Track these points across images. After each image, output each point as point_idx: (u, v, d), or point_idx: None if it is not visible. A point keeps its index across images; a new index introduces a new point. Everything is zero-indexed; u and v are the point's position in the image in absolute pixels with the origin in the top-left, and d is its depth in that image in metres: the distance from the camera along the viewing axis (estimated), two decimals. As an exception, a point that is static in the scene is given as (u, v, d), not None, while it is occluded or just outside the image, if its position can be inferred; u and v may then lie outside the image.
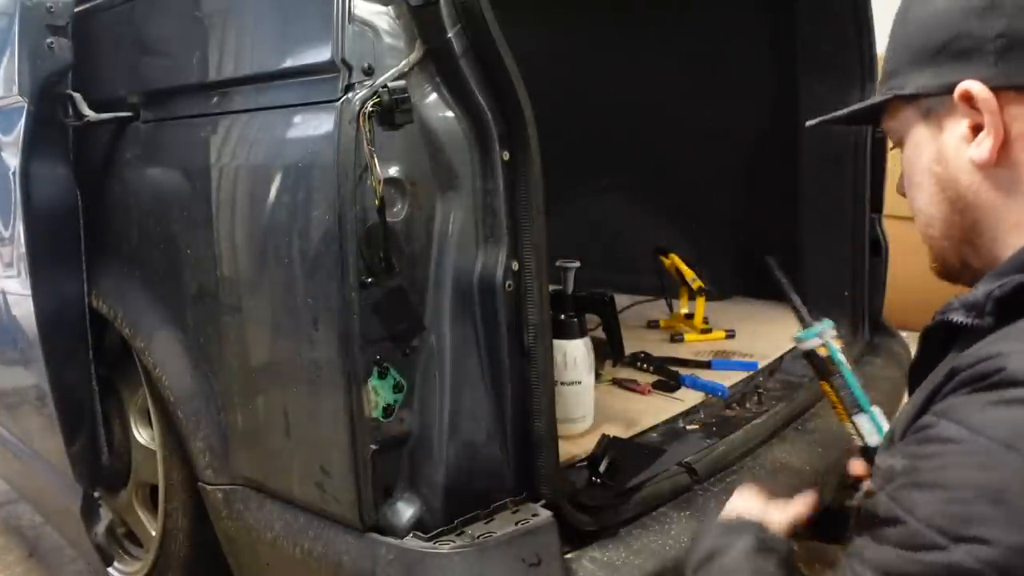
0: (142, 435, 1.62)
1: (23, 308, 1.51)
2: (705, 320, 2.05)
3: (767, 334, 1.95)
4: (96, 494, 1.60)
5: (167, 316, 1.33)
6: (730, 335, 1.98)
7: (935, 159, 0.69)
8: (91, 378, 1.54)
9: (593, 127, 2.52)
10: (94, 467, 1.59)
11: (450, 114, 1.05)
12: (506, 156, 1.06)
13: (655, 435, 1.46)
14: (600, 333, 1.57)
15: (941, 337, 0.68)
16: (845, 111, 0.79)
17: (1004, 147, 0.64)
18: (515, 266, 1.07)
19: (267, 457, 1.20)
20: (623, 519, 1.19)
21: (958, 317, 0.63)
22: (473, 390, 1.07)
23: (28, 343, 1.53)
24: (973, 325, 0.62)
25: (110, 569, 1.66)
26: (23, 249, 1.45)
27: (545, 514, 1.08)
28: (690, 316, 2.07)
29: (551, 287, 1.13)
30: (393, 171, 1.00)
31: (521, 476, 1.11)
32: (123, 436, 1.65)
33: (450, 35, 1.01)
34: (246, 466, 1.24)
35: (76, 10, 1.41)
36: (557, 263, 1.47)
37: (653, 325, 2.14)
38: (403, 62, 1.01)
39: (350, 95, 0.98)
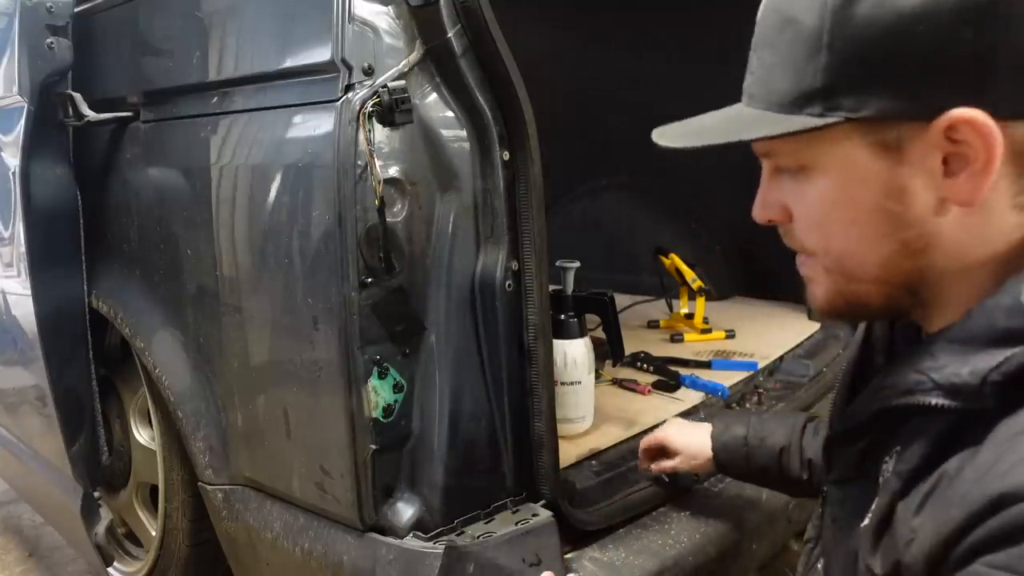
0: (142, 435, 1.62)
1: (23, 308, 1.51)
2: (705, 320, 2.05)
3: (767, 334, 1.95)
4: (96, 494, 1.60)
5: (167, 316, 1.33)
6: (730, 335, 1.98)
7: (890, 195, 0.57)
8: (91, 378, 1.54)
9: (593, 127, 2.53)
10: (94, 467, 1.59)
11: (450, 114, 1.05)
12: (506, 156, 1.06)
13: (655, 435, 1.46)
14: (600, 333, 1.57)
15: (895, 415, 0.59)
16: (770, 134, 0.59)
17: None
18: (515, 266, 1.07)
19: (267, 457, 1.20)
20: (623, 519, 1.19)
21: (938, 400, 0.55)
22: (473, 390, 1.07)
23: (28, 343, 1.53)
24: (961, 409, 0.54)
25: (110, 569, 1.66)
26: (23, 249, 1.45)
27: (545, 514, 1.07)
28: (690, 316, 2.07)
29: (551, 287, 1.13)
30: (393, 171, 1.00)
31: (521, 476, 1.11)
32: (123, 436, 1.65)
33: (450, 35, 1.01)
34: (246, 466, 1.24)
35: (76, 10, 1.41)
36: (557, 263, 1.47)
37: (653, 325, 2.14)
38: (403, 62, 1.01)
39: (350, 95, 0.98)
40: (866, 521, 0.61)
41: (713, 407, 1.57)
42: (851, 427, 0.66)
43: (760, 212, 0.66)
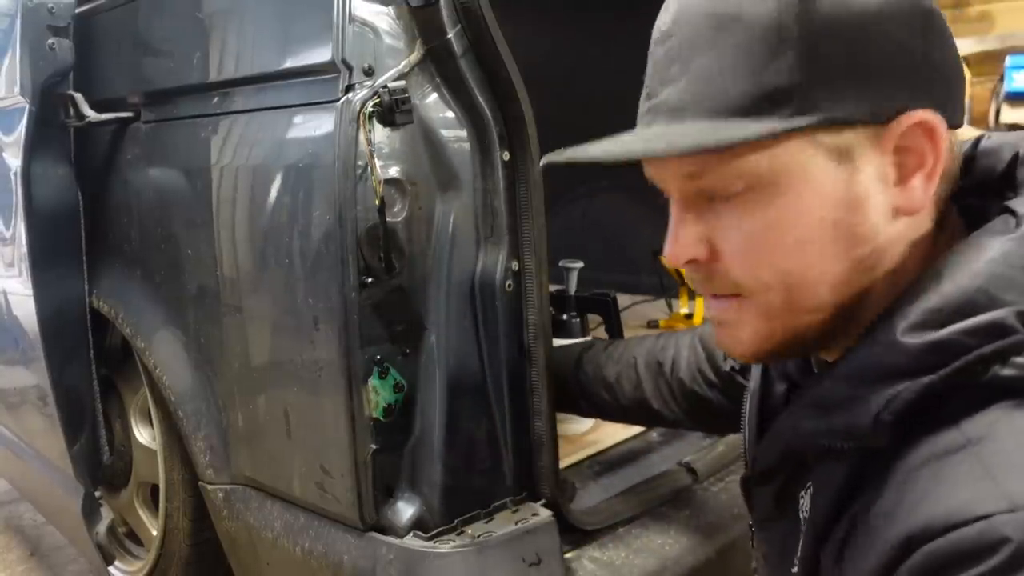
0: (143, 435, 1.62)
1: (24, 308, 1.52)
2: (705, 320, 2.05)
3: (767, 334, 1.95)
4: (97, 493, 1.61)
5: (168, 316, 1.33)
6: (730, 335, 1.98)
7: (848, 208, 0.53)
8: (92, 378, 1.54)
9: (593, 127, 2.52)
10: (95, 466, 1.59)
11: (450, 114, 1.05)
12: (506, 156, 1.06)
13: (655, 435, 1.46)
14: (602, 333, 1.57)
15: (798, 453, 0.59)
16: (743, 138, 0.52)
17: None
18: (515, 266, 1.07)
19: (267, 457, 1.20)
20: (623, 519, 1.20)
21: (837, 442, 0.54)
22: (473, 390, 1.07)
23: (29, 343, 1.53)
24: (855, 450, 0.53)
25: (111, 568, 1.67)
26: (25, 249, 1.45)
27: (545, 513, 1.08)
28: (690, 316, 2.07)
29: (554, 287, 1.13)
30: (393, 171, 1.00)
31: (521, 476, 1.12)
32: (124, 436, 1.65)
33: (450, 35, 1.01)
34: (247, 466, 1.24)
35: (77, 11, 1.41)
36: (560, 263, 1.47)
37: (653, 325, 2.14)
38: (403, 62, 1.01)
39: (350, 95, 0.98)
40: (795, 568, 0.61)
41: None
42: (762, 470, 0.65)
43: (679, 252, 0.58)
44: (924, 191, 0.54)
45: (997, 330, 0.49)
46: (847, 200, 0.53)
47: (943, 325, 0.50)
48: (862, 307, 0.57)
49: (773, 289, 0.56)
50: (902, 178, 0.54)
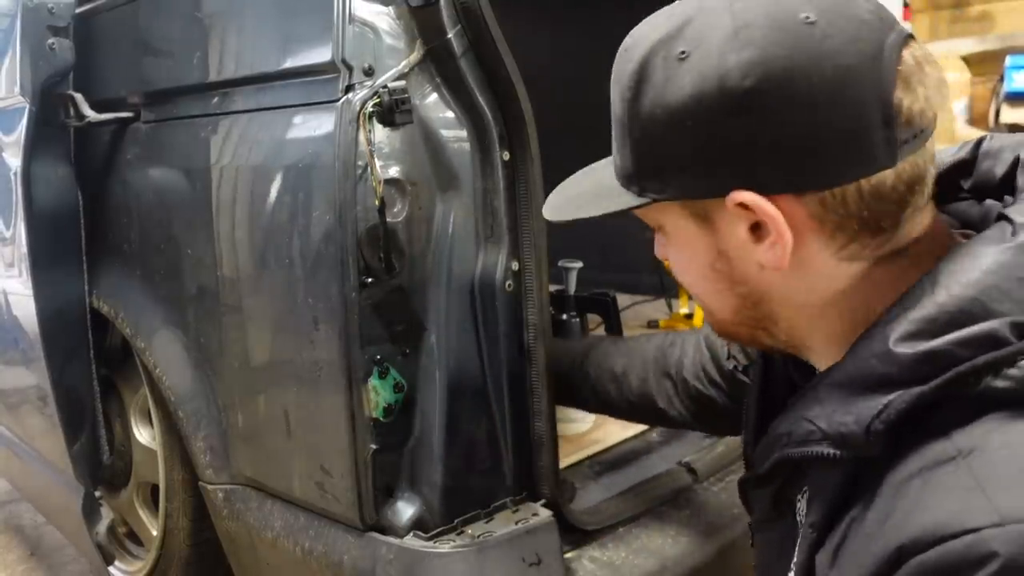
0: (143, 435, 1.62)
1: (25, 308, 1.52)
2: (706, 320, 2.05)
3: (767, 334, 1.95)
4: (97, 493, 1.61)
5: (168, 316, 1.33)
6: (730, 335, 1.98)
7: (716, 258, 0.61)
8: (92, 378, 1.54)
9: (593, 127, 2.53)
10: (95, 466, 1.59)
11: (450, 114, 1.05)
12: (506, 156, 1.06)
13: (655, 435, 1.46)
14: (602, 333, 1.57)
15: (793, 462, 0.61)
16: (597, 214, 0.64)
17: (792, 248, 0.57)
18: (515, 266, 1.07)
19: (267, 457, 1.20)
20: (623, 519, 1.20)
21: (829, 450, 0.55)
22: (473, 390, 1.07)
23: (29, 343, 1.53)
24: (849, 457, 0.54)
25: (111, 568, 1.67)
26: (25, 249, 1.45)
27: (545, 513, 1.08)
28: (690, 316, 2.07)
29: (554, 287, 1.13)
30: (393, 171, 1.00)
31: (521, 476, 1.12)
32: (124, 436, 1.65)
33: (450, 35, 1.01)
34: (246, 466, 1.24)
35: (77, 11, 1.42)
36: (560, 263, 1.47)
37: (653, 325, 2.14)
38: (403, 62, 1.02)
39: (350, 95, 0.98)
40: (792, 573, 0.61)
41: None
42: (759, 473, 0.66)
43: (656, 253, 0.71)
44: (775, 253, 0.57)
45: (990, 341, 0.50)
46: (716, 251, 0.61)
47: (936, 335, 0.51)
48: (778, 327, 0.63)
49: (698, 302, 0.68)
50: (758, 239, 0.58)
